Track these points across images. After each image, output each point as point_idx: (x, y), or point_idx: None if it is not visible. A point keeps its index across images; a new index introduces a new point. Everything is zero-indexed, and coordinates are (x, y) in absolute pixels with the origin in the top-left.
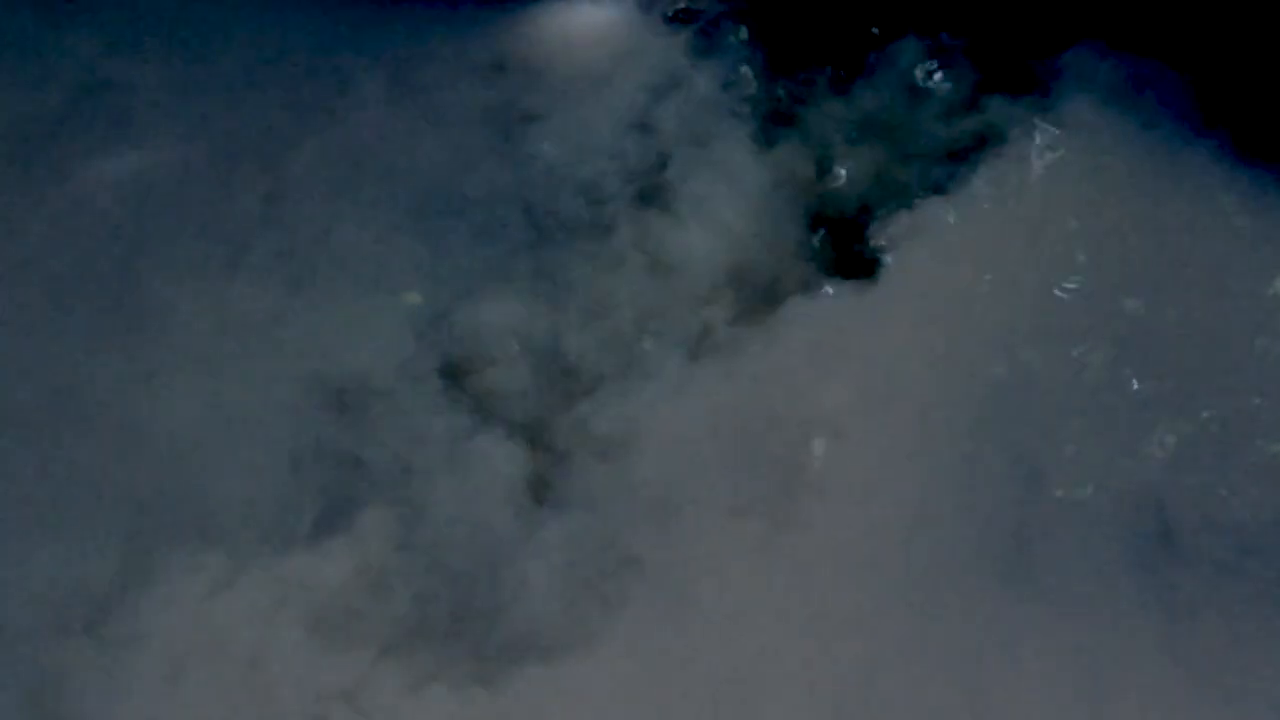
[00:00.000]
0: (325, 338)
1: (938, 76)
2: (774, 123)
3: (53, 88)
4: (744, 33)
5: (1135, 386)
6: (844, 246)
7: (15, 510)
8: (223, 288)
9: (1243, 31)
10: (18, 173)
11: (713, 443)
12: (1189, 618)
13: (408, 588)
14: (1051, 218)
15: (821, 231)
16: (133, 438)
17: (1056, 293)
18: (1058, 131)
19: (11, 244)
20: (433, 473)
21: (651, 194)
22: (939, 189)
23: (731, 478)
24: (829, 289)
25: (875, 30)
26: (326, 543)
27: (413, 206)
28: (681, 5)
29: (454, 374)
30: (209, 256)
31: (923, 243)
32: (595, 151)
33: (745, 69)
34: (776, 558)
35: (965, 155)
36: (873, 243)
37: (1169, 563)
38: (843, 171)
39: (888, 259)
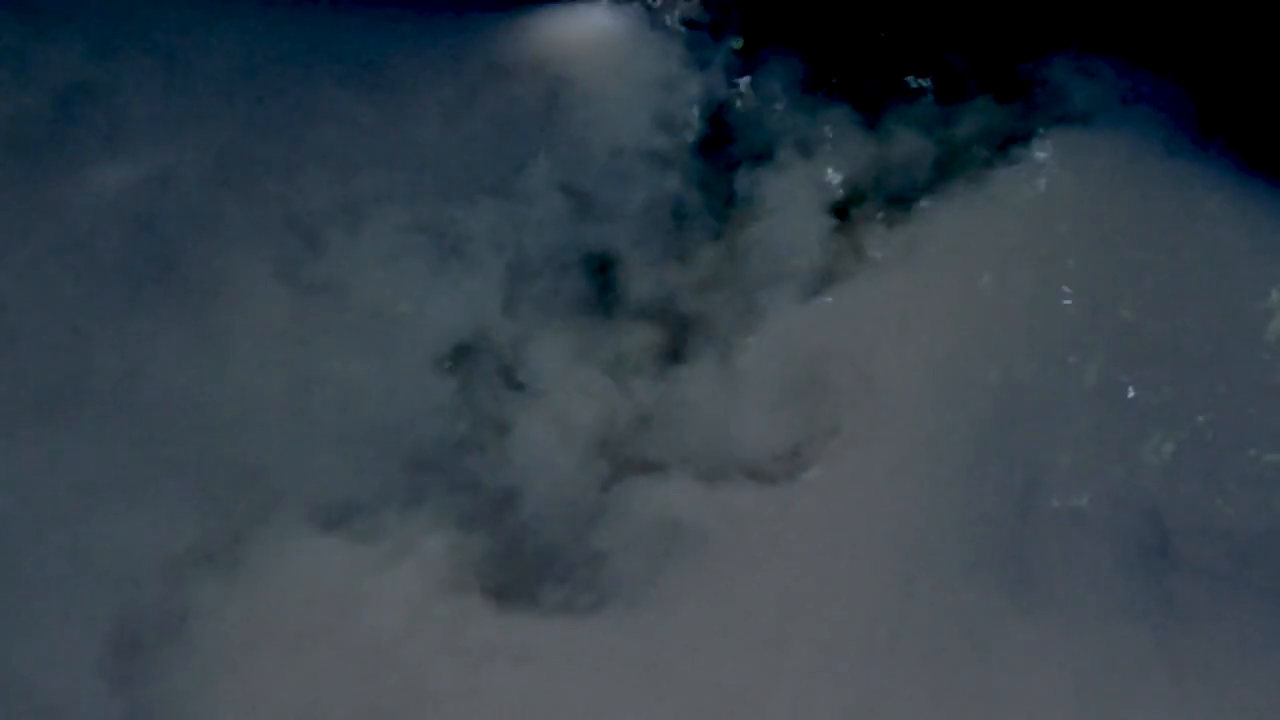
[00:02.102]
0: (413, 308)
1: (936, 85)
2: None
3: (44, 91)
4: (739, 42)
5: (1131, 395)
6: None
7: (109, 479)
8: (299, 270)
9: (1240, 44)
10: (53, 167)
11: None
12: (1186, 625)
13: (501, 538)
14: (1049, 227)
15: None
16: (221, 411)
17: (1054, 301)
18: (1055, 142)
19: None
20: (532, 417)
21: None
22: (938, 198)
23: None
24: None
25: (878, 36)
26: (426, 504)
27: (474, 186)
28: (682, 11)
29: (546, 325)
30: (283, 243)
31: (919, 252)
32: (638, 125)
33: (745, 78)
34: (772, 568)
35: (962, 165)
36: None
37: (1166, 571)
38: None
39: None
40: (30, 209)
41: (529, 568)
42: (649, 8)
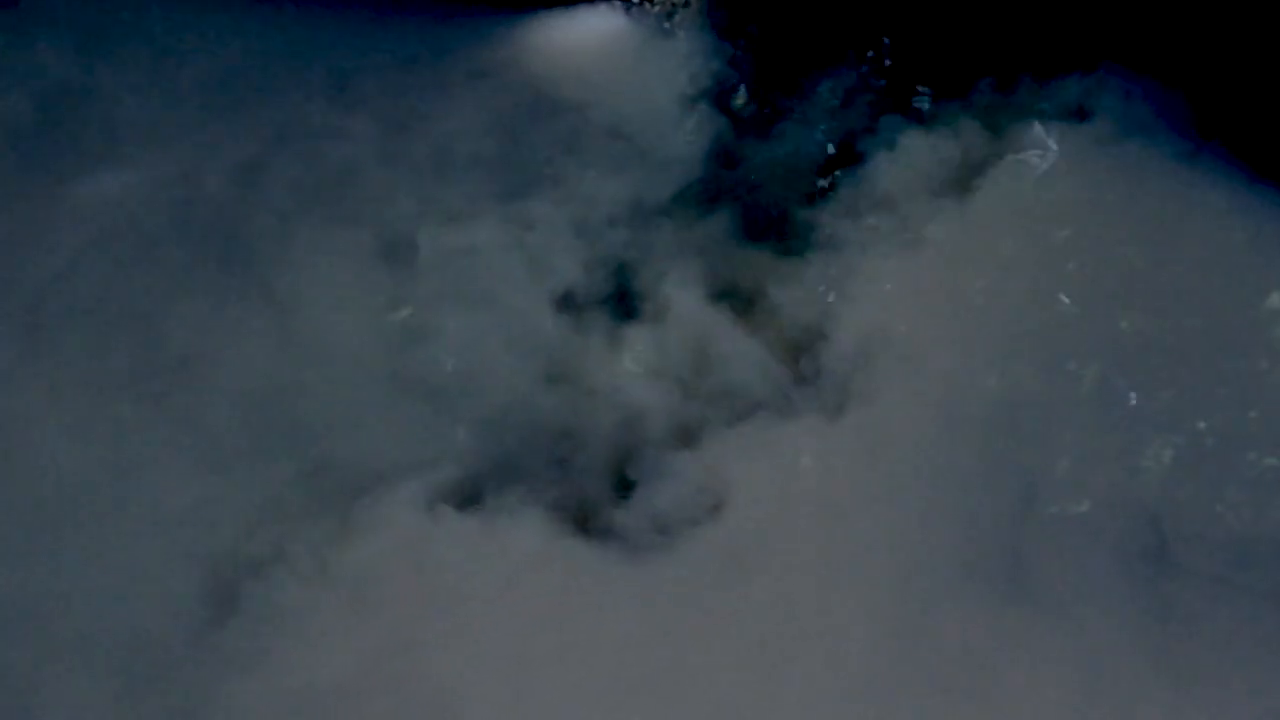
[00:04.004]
0: (496, 275)
1: (936, 91)
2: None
3: (28, 95)
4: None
5: (1131, 400)
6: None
7: (200, 447)
8: (357, 266)
9: (1237, 48)
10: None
11: None
12: (1185, 630)
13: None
14: (1048, 232)
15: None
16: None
17: (1052, 307)
18: (1056, 148)
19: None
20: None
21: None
22: (937, 203)
23: None
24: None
25: (865, 45)
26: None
27: (525, 176)
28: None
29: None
30: (342, 242)
31: (920, 256)
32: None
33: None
34: (770, 574)
35: (963, 171)
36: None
37: (1165, 576)
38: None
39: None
40: (65, 206)
41: (624, 516)
42: (655, 14)
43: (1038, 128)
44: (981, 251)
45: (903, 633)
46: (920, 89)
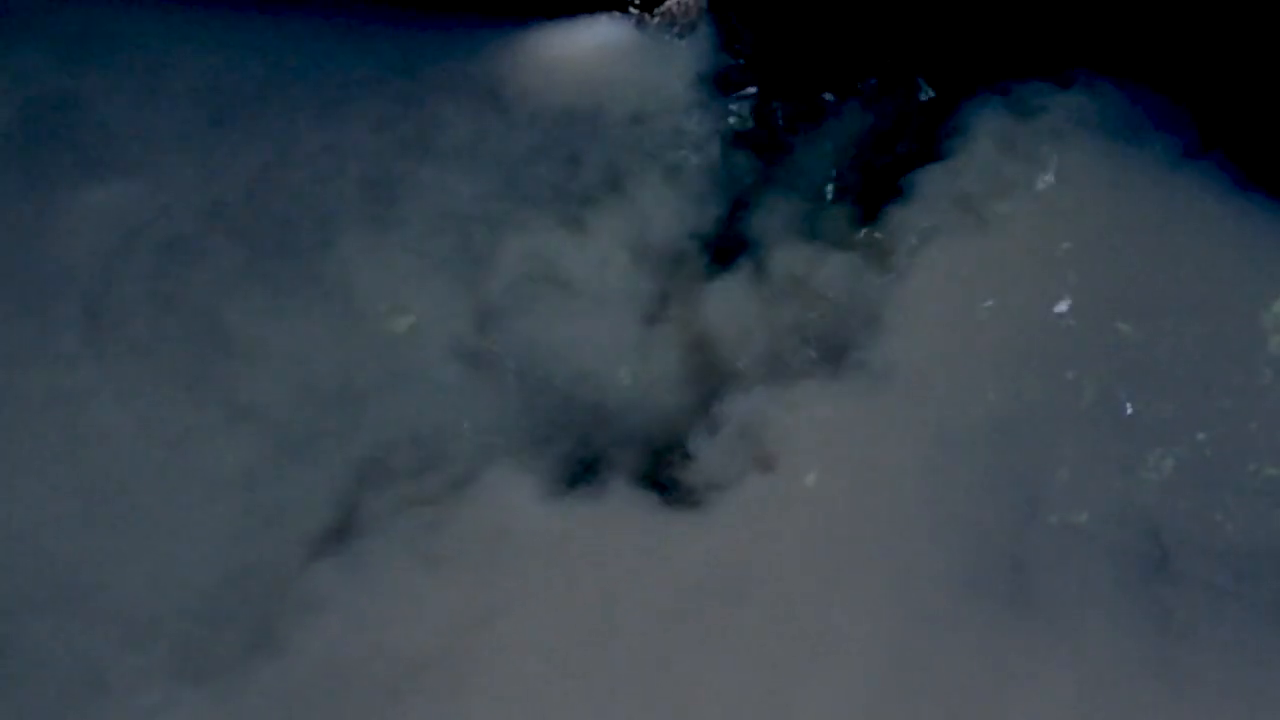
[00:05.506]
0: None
1: (935, 99)
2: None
3: (23, 104)
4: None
5: (1130, 411)
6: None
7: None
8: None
9: (1238, 59)
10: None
11: None
12: (1185, 641)
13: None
14: (1047, 242)
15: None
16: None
17: (1052, 317)
18: (1054, 158)
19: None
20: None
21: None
22: (937, 213)
23: None
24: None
25: (869, 53)
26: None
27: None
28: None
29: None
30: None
31: (919, 267)
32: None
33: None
34: (768, 579)
35: (962, 182)
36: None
37: (1165, 586)
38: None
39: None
40: (84, 209)
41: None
42: (659, 24)
43: (1036, 136)
44: (981, 263)
45: (904, 643)
46: (922, 96)
